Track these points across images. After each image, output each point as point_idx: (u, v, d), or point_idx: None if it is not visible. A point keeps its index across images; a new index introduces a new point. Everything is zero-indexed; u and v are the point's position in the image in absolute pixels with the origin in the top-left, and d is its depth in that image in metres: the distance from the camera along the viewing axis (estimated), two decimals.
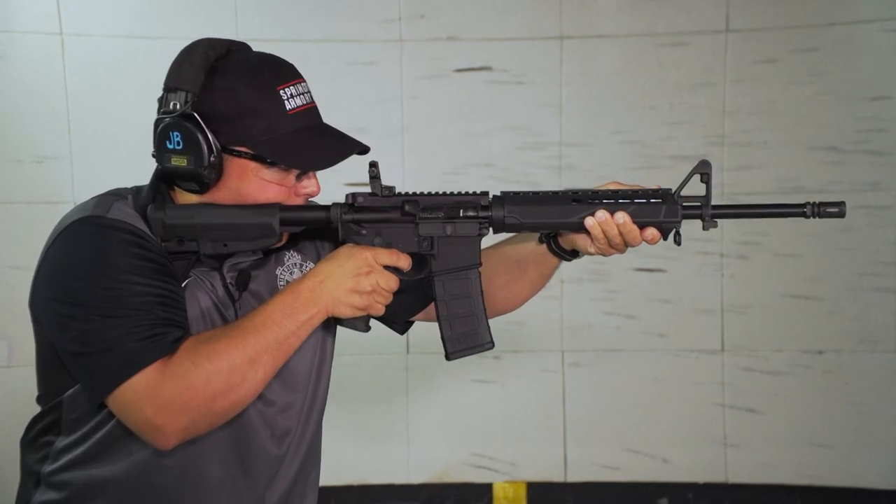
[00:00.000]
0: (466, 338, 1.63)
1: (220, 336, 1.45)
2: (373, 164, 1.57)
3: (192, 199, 1.57)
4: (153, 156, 1.56)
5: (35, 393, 1.62)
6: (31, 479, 1.60)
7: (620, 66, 3.90)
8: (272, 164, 1.53)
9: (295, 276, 1.66)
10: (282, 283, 1.65)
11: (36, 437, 1.59)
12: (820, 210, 1.54)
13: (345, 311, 1.50)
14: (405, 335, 1.86)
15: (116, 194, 1.57)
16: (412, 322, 1.82)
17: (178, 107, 1.50)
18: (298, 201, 1.58)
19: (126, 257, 1.45)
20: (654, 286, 3.94)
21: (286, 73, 1.56)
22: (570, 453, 4.02)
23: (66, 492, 1.55)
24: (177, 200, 1.58)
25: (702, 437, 3.97)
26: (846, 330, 3.87)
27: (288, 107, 1.53)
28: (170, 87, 1.52)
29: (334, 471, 3.93)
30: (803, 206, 1.55)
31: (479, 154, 3.94)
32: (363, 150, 1.58)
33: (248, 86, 1.51)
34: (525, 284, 1.75)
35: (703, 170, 1.55)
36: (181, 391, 1.40)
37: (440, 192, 1.59)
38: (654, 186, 1.58)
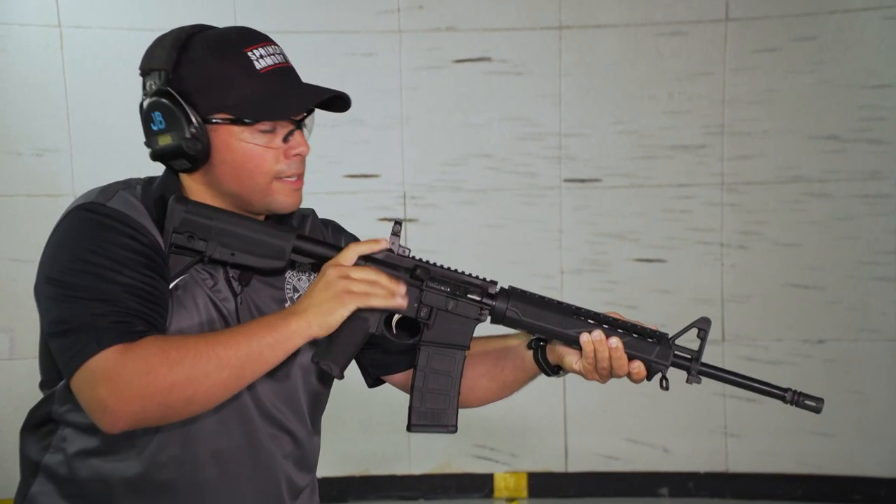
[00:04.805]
0: (434, 414, 1.63)
1: (195, 335, 1.45)
2: (397, 223, 1.58)
3: (199, 187, 1.57)
4: (145, 144, 1.56)
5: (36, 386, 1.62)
6: (31, 468, 1.59)
7: (619, 56, 3.89)
8: (252, 124, 1.52)
9: (302, 282, 1.66)
10: (289, 286, 1.65)
11: (38, 426, 1.59)
12: (799, 400, 1.60)
13: (334, 319, 1.47)
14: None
15: (125, 184, 1.57)
16: (383, 381, 1.80)
17: (153, 87, 1.52)
18: (292, 163, 1.57)
19: (113, 246, 1.46)
20: (654, 276, 3.94)
21: (254, 36, 1.56)
22: (570, 443, 4.03)
23: (67, 481, 1.55)
24: (187, 190, 1.58)
25: (702, 427, 3.98)
26: (846, 319, 3.87)
27: (258, 66, 1.52)
28: (144, 70, 1.54)
29: (337, 462, 3.93)
30: (785, 391, 1.61)
31: (478, 145, 3.93)
32: (342, 96, 1.56)
33: (215, 53, 1.52)
34: (496, 384, 1.75)
35: (702, 326, 1.62)
36: (141, 375, 1.38)
37: (453, 269, 1.60)
38: (652, 327, 1.63)
